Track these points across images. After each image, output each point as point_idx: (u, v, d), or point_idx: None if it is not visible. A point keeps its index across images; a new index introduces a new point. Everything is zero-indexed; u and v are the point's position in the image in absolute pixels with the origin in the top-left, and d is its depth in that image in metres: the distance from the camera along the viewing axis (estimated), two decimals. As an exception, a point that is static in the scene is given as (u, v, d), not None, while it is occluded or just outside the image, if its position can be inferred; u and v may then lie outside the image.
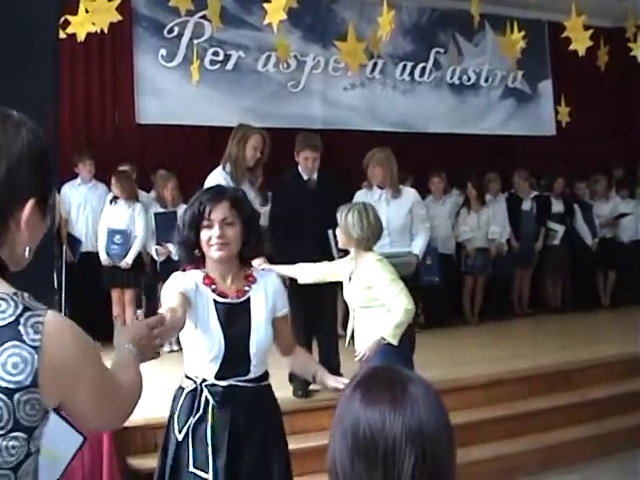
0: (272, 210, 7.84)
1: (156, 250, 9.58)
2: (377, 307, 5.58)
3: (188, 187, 10.16)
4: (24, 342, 1.76)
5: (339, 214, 5.67)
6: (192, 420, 3.76)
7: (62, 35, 8.29)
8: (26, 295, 1.84)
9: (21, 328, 1.76)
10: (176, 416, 3.83)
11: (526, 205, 12.35)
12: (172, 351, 9.73)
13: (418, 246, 7.63)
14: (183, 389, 3.87)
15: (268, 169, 10.83)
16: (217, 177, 7.35)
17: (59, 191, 9.64)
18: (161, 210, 9.69)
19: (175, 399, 3.92)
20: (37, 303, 1.84)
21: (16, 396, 1.74)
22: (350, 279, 5.71)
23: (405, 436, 1.66)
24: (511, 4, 11.30)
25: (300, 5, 8.65)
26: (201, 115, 11.23)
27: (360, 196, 8.12)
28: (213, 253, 3.73)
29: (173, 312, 3.47)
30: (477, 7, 9.03)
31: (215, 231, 3.67)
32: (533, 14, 12.43)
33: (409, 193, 8.08)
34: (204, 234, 3.71)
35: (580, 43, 9.61)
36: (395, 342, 5.39)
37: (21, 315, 1.78)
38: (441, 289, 11.23)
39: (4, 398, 1.73)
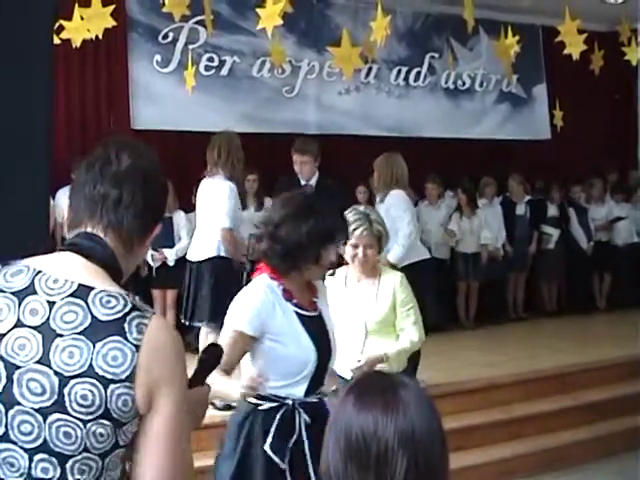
0: None
1: (152, 256, 9.55)
2: (391, 335, 5.24)
3: (183, 193, 10.19)
4: (127, 339, 1.90)
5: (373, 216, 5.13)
6: (290, 444, 3.59)
7: (57, 41, 8.30)
8: (137, 297, 2.01)
9: (126, 326, 1.91)
10: (268, 443, 3.58)
11: (520, 209, 12.38)
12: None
13: (393, 256, 7.79)
14: (257, 412, 3.65)
15: (263, 174, 10.89)
16: (232, 190, 7.60)
17: (54, 196, 9.62)
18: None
19: (247, 424, 3.67)
20: (146, 306, 2.00)
21: (111, 387, 1.88)
22: (376, 298, 5.18)
23: (397, 440, 1.67)
24: (505, 9, 11.30)
25: (294, 10, 8.67)
26: (196, 120, 11.21)
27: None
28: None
29: (226, 373, 3.47)
30: (471, 13, 9.03)
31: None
32: (527, 19, 12.44)
33: (392, 197, 8.41)
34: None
35: (574, 47, 9.62)
36: (395, 367, 5.00)
37: (128, 314, 1.93)
38: (435, 294, 11.23)
39: (99, 386, 1.87)
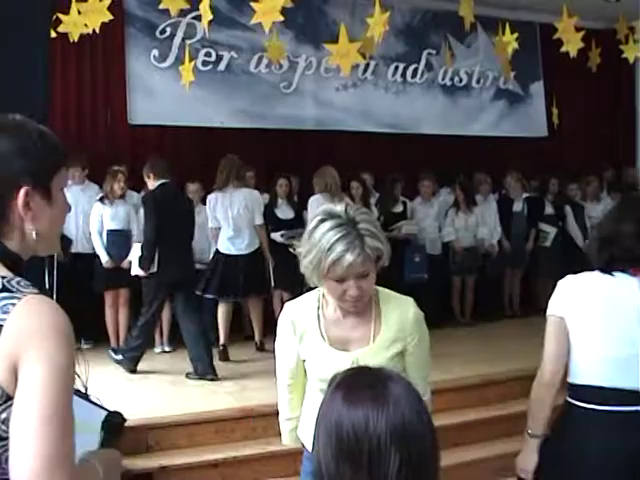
0: None
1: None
2: None
3: (180, 188, 10.17)
4: None
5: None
6: None
7: (54, 35, 8.30)
8: (17, 280, 1.90)
9: None
10: None
11: (517, 206, 12.37)
12: (163, 352, 9.74)
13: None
14: None
15: (261, 170, 10.88)
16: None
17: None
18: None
19: None
20: (28, 289, 1.88)
21: None
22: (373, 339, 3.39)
23: (390, 436, 1.66)
24: (503, 6, 11.32)
25: (292, 6, 8.65)
26: (193, 116, 11.22)
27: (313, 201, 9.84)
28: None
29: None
30: (469, 10, 9.03)
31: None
32: (525, 16, 12.44)
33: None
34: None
35: (572, 45, 9.63)
36: None
37: None
38: (430, 290, 11.25)
39: None
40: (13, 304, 1.82)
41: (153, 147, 11.03)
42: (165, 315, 9.82)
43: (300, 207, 10.70)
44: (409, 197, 11.70)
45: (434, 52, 12.99)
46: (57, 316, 1.85)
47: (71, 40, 8.82)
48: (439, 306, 11.58)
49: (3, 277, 1.89)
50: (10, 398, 1.78)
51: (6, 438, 1.77)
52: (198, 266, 9.86)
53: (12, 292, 1.85)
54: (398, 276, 10.89)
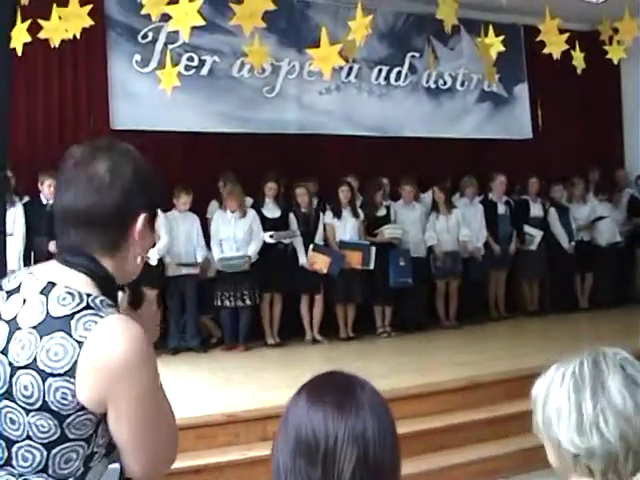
0: None
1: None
2: None
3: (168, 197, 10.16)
4: (71, 336, 1.95)
5: None
6: None
7: (28, 39, 8.28)
8: (100, 299, 2.03)
9: (73, 322, 1.96)
10: None
11: (501, 208, 12.37)
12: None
13: (252, 249, 10.30)
14: None
15: (246, 175, 10.86)
16: None
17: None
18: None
19: None
20: (109, 308, 2.03)
21: (49, 380, 1.93)
22: None
23: (347, 437, 1.66)
24: (486, 8, 11.28)
25: (274, 10, 8.61)
26: (176, 121, 11.18)
27: (215, 218, 10.45)
28: None
29: None
30: (449, 12, 9.02)
31: None
32: (508, 18, 12.41)
33: (251, 213, 10.40)
34: None
35: (555, 46, 9.63)
36: None
37: (79, 312, 1.98)
38: (415, 293, 11.25)
39: (38, 379, 1.94)
40: (95, 322, 1.97)
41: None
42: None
43: (286, 208, 10.74)
44: (395, 199, 11.69)
45: (418, 55, 12.97)
46: (134, 335, 2.00)
47: (52, 46, 8.74)
48: (424, 309, 11.60)
49: (88, 295, 2.02)
50: (83, 408, 1.95)
51: (70, 440, 1.98)
52: (184, 270, 9.99)
53: (94, 310, 2.00)
54: (384, 280, 10.90)
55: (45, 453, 1.98)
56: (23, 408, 1.96)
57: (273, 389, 7.46)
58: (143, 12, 8.54)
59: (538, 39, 9.73)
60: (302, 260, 10.69)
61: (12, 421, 1.99)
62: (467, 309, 11.89)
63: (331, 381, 1.79)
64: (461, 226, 11.77)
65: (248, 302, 10.26)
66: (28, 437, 1.98)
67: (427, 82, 13.18)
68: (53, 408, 1.94)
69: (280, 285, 10.59)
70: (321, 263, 10.67)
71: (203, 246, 10.40)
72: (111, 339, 1.95)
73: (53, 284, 2.04)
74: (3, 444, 2.01)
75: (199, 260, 10.37)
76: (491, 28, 10.22)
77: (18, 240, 9.50)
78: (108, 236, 2.11)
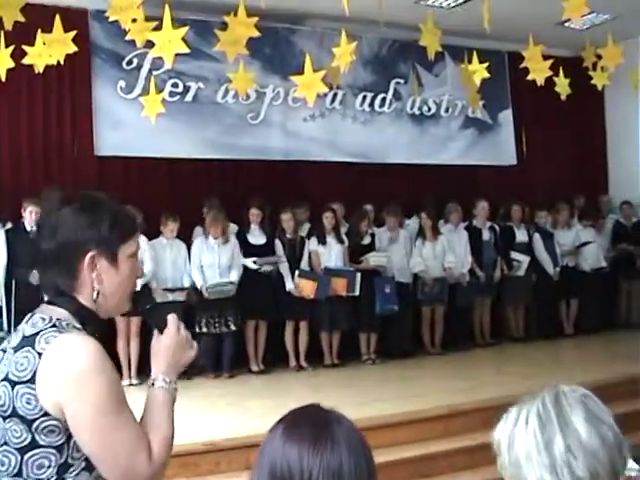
0: None
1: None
2: None
3: (147, 219, 10.11)
4: (34, 349, 2.21)
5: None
6: None
7: (11, 65, 8.30)
8: (67, 322, 2.30)
9: (37, 338, 2.22)
10: None
11: (486, 234, 12.37)
12: (130, 385, 9.62)
13: (234, 276, 10.38)
14: None
15: (231, 202, 10.86)
16: None
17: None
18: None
19: None
20: (73, 330, 2.28)
21: (16, 387, 2.18)
22: None
23: (322, 473, 1.64)
24: (470, 35, 11.32)
25: (259, 37, 8.63)
26: (160, 147, 11.17)
27: (196, 243, 10.46)
28: None
29: None
30: (432, 39, 9.07)
31: None
32: (493, 44, 12.47)
33: (232, 239, 10.50)
34: None
35: (539, 73, 9.68)
36: None
37: (44, 330, 2.24)
38: (400, 319, 11.22)
39: (8, 387, 2.20)
40: (55, 336, 2.22)
41: (120, 178, 10.99)
42: (133, 348, 9.78)
43: (272, 234, 10.74)
44: (379, 225, 11.68)
45: (402, 81, 13.00)
46: (88, 350, 2.22)
47: (36, 71, 8.73)
48: (409, 336, 11.56)
49: (58, 319, 2.29)
50: (47, 414, 2.17)
51: (41, 446, 2.19)
52: (171, 297, 9.99)
53: (57, 329, 2.25)
54: (369, 307, 10.88)
55: (19, 457, 2.19)
56: (1, 416, 2.20)
57: (257, 417, 7.42)
58: (128, 38, 8.56)
59: (522, 65, 9.77)
60: (289, 286, 10.67)
61: None
62: (452, 336, 11.84)
63: (307, 416, 1.79)
64: (447, 252, 11.75)
65: (233, 328, 10.24)
66: (5, 443, 2.20)
67: (411, 108, 13.20)
68: (21, 413, 2.17)
69: (265, 311, 10.56)
70: (308, 288, 10.65)
71: (190, 272, 10.37)
72: (66, 351, 2.19)
73: (34, 314, 2.34)
74: None
75: (186, 285, 10.34)
76: (475, 55, 10.28)
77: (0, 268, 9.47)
78: (64, 274, 2.38)
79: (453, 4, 11.45)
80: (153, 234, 10.23)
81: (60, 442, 2.20)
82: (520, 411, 1.92)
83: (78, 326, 2.30)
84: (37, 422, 2.16)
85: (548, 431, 1.85)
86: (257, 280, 10.50)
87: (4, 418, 2.19)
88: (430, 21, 9.13)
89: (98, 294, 2.38)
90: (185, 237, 10.55)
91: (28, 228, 9.49)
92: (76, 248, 2.35)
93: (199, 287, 10.25)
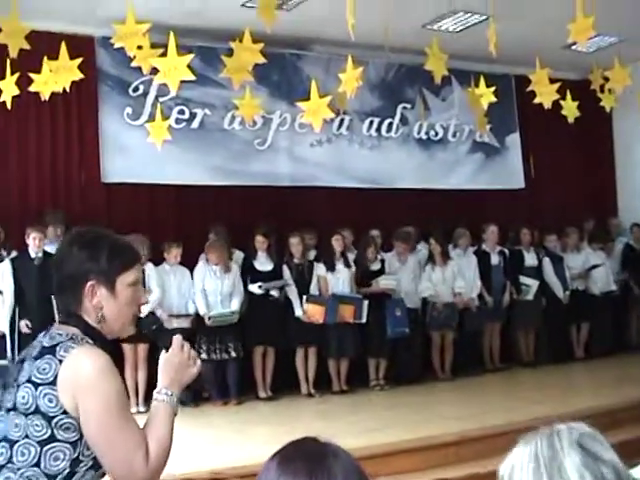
0: None
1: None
2: None
3: (155, 246, 10.11)
4: (55, 356, 2.56)
5: None
6: None
7: (16, 92, 8.30)
8: (81, 337, 2.65)
9: (57, 348, 2.58)
10: None
11: (495, 259, 12.30)
12: (138, 412, 9.56)
13: (236, 304, 10.37)
14: None
15: (238, 228, 10.84)
16: None
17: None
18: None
19: None
20: (86, 344, 2.63)
21: (40, 388, 2.52)
22: None
23: None
24: (477, 59, 11.30)
25: (266, 63, 8.64)
26: (167, 174, 11.17)
27: (198, 269, 10.44)
28: None
29: None
30: (440, 63, 9.05)
31: None
32: (500, 68, 12.46)
33: (234, 267, 10.53)
34: None
35: (546, 96, 9.64)
36: None
37: (63, 342, 2.60)
38: (409, 345, 11.15)
39: (32, 388, 2.54)
40: (73, 347, 2.58)
41: (127, 205, 10.98)
42: (141, 376, 9.75)
43: (279, 260, 10.70)
44: (388, 250, 11.64)
45: (409, 106, 12.99)
46: (98, 361, 2.56)
47: (42, 99, 8.73)
48: (419, 361, 11.49)
49: (74, 334, 2.65)
50: (66, 412, 2.51)
51: (58, 440, 2.53)
52: (175, 323, 9.93)
53: (74, 341, 2.62)
54: (379, 332, 10.82)
55: (39, 449, 2.52)
56: (23, 413, 2.54)
57: (263, 445, 7.35)
58: (134, 64, 8.56)
59: (529, 89, 9.75)
60: (298, 312, 10.63)
61: (16, 425, 2.55)
62: (462, 361, 11.77)
63: (302, 449, 1.75)
64: (456, 278, 11.69)
65: (233, 354, 10.19)
66: (26, 436, 2.53)
67: (419, 133, 13.17)
68: (43, 410, 2.51)
69: (273, 338, 10.51)
70: (317, 314, 10.60)
71: (194, 298, 10.35)
72: (81, 360, 2.54)
73: (48, 330, 2.71)
74: (7, 445, 2.56)
75: (191, 312, 10.31)
76: (482, 78, 10.26)
77: (7, 297, 9.45)
78: (71, 300, 2.74)
79: (460, 28, 11.41)
80: (160, 261, 10.23)
81: (74, 439, 2.54)
82: (523, 448, 1.87)
83: (90, 341, 2.65)
84: (56, 419, 2.51)
85: (541, 477, 1.79)
86: (264, 306, 10.46)
87: (26, 415, 2.53)
88: (436, 45, 9.11)
89: (101, 318, 2.72)
90: (191, 264, 10.51)
91: (32, 255, 9.46)
92: (78, 279, 2.71)
93: (202, 314, 10.21)
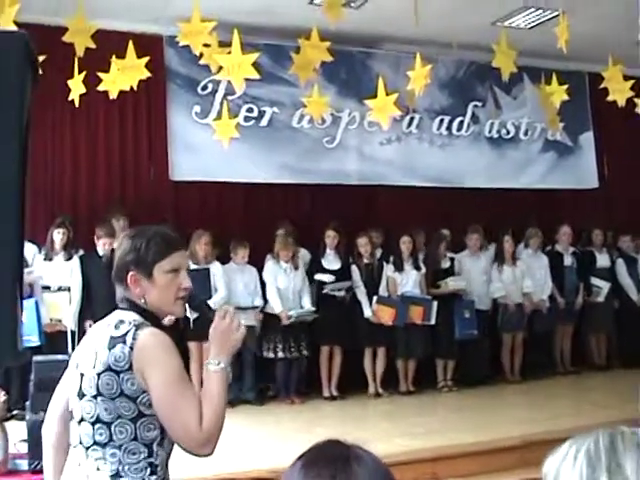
0: None
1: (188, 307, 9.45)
2: None
3: (222, 244, 10.12)
4: (126, 344, 2.89)
5: None
6: None
7: (83, 91, 8.36)
8: (141, 322, 2.97)
9: (126, 337, 2.90)
10: None
11: (567, 260, 12.10)
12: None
13: (308, 302, 10.39)
14: None
15: (306, 226, 10.82)
16: None
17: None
18: (193, 267, 9.48)
19: None
20: (145, 327, 2.94)
21: (121, 375, 2.86)
22: None
23: None
24: (549, 56, 11.11)
25: (334, 60, 8.60)
26: (236, 172, 11.19)
27: (268, 267, 10.39)
28: None
29: None
30: (508, 61, 8.93)
31: None
32: (573, 65, 12.25)
33: (302, 265, 10.49)
34: None
35: (619, 93, 9.48)
36: None
37: (130, 331, 2.92)
38: (478, 346, 11.02)
39: (114, 376, 2.86)
40: (138, 334, 2.90)
41: (195, 203, 11.03)
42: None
43: (346, 259, 10.65)
44: (456, 251, 11.52)
45: (480, 104, 12.85)
46: (159, 340, 2.93)
47: (111, 97, 8.80)
48: (487, 363, 11.35)
49: (134, 320, 2.97)
50: (145, 391, 2.85)
51: (146, 415, 2.89)
52: (243, 320, 9.88)
53: (138, 327, 2.93)
54: (448, 333, 10.74)
55: (133, 426, 2.89)
56: (110, 398, 2.87)
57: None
58: (202, 62, 8.59)
59: (602, 86, 9.56)
60: (367, 313, 10.57)
61: (106, 409, 2.89)
62: (532, 363, 11.60)
63: (326, 452, 1.71)
64: (525, 277, 11.54)
65: (305, 352, 10.19)
66: (119, 416, 2.89)
67: (490, 132, 13.01)
68: (127, 393, 2.87)
69: (341, 338, 10.47)
70: (386, 316, 10.54)
71: (261, 296, 10.33)
72: (146, 342, 2.89)
73: (111, 317, 3.06)
74: (104, 427, 2.90)
75: (257, 304, 10.29)
76: (555, 76, 10.10)
77: (75, 294, 9.55)
78: (123, 287, 3.11)
79: (531, 25, 11.23)
80: (228, 258, 10.25)
81: None
82: (571, 446, 1.79)
83: (148, 323, 2.98)
84: (140, 397, 2.87)
85: (596, 470, 1.71)
86: (331, 306, 10.42)
87: (112, 399, 2.87)
88: (504, 42, 8.99)
89: (146, 304, 3.06)
90: (258, 261, 10.50)
91: (101, 253, 9.56)
92: (123, 269, 3.10)
93: (277, 312, 10.18)
